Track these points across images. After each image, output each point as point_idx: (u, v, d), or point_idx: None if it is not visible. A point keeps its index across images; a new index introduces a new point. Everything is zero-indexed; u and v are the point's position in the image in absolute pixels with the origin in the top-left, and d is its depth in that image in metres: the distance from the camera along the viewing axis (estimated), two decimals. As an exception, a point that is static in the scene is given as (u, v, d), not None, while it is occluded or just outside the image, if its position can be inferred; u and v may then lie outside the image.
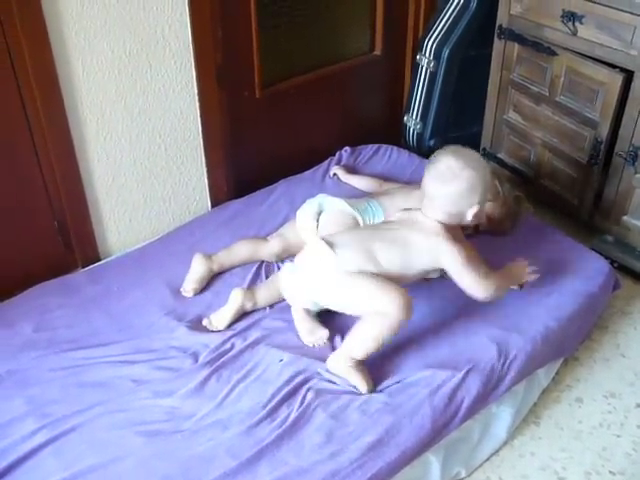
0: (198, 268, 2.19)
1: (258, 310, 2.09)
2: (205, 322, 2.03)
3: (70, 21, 2.01)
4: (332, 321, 2.01)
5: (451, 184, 1.89)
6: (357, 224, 2.24)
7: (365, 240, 1.94)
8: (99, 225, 2.38)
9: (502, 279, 1.99)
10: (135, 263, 2.29)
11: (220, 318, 2.04)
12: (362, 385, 1.81)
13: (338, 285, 1.89)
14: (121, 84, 2.21)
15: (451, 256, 1.90)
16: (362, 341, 1.83)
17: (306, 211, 2.28)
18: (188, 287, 2.15)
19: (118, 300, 2.13)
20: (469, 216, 1.94)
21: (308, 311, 2.00)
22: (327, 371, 1.86)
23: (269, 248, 2.28)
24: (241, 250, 2.28)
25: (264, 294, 2.11)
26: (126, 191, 2.39)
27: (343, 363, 1.83)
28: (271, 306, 2.11)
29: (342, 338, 1.94)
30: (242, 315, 2.07)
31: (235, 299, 2.05)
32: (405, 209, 2.05)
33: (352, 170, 2.70)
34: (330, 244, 1.91)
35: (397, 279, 1.89)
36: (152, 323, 2.04)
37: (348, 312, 1.94)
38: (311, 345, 1.95)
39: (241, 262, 2.27)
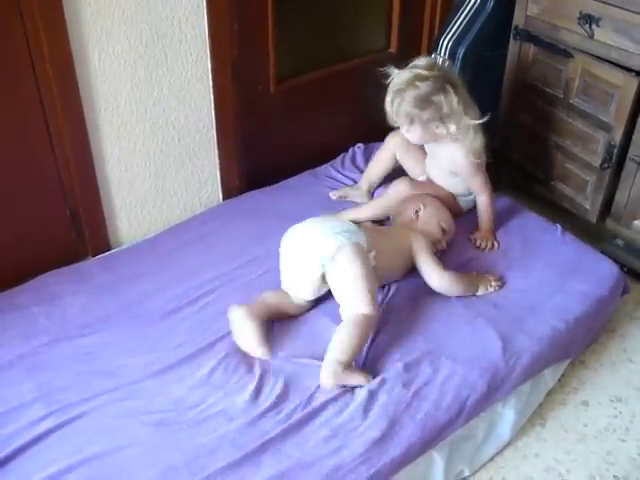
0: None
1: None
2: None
3: (88, 10, 2.02)
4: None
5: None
6: None
7: None
8: (111, 215, 2.39)
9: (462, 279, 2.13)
10: (147, 252, 2.30)
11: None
12: (363, 380, 1.81)
13: None
14: (136, 75, 2.21)
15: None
16: (351, 342, 1.82)
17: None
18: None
19: (130, 287, 2.14)
20: None
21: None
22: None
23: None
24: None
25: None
26: (138, 181, 2.40)
27: (336, 371, 1.79)
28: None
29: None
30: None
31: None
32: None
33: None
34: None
35: None
36: (163, 311, 2.05)
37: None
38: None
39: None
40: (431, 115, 2.21)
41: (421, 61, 2.25)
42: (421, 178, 2.53)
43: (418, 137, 2.31)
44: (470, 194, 2.44)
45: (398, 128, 2.33)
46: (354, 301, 1.90)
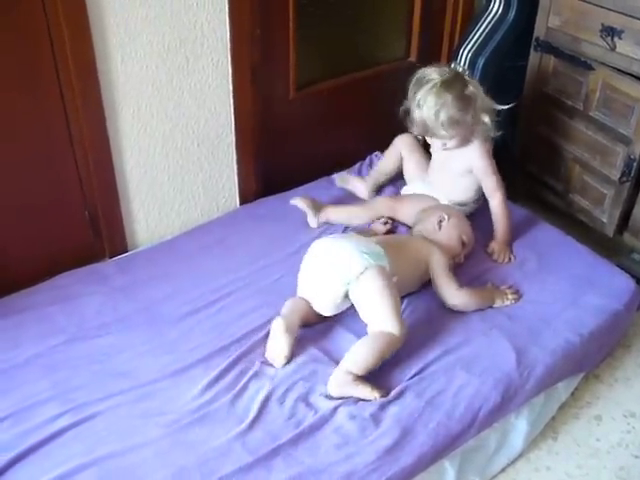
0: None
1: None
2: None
3: (112, 13, 2.04)
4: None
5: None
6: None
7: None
8: (129, 217, 2.41)
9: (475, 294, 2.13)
10: (164, 254, 2.32)
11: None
12: (372, 394, 1.79)
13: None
14: (158, 78, 2.23)
15: None
16: (366, 356, 1.82)
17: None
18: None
19: (146, 289, 2.15)
20: None
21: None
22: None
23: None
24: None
25: None
26: (157, 184, 2.42)
27: (344, 381, 1.79)
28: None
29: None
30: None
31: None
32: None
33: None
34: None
35: None
36: (179, 313, 2.06)
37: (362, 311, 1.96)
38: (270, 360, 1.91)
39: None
40: (472, 111, 2.25)
41: (431, 72, 2.26)
42: (410, 187, 2.56)
43: (459, 142, 2.31)
44: (464, 205, 2.44)
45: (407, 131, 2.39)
46: (382, 322, 1.89)
